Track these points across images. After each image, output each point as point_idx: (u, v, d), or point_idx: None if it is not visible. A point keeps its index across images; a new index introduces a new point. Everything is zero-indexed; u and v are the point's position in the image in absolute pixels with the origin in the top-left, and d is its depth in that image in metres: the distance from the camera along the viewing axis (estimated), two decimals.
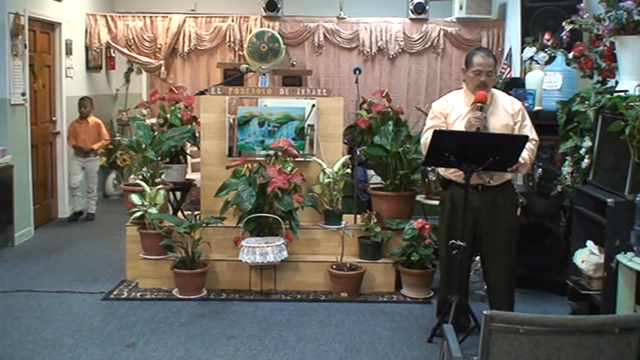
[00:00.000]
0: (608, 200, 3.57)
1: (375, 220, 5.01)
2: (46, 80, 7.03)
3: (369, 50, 7.61)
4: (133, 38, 7.66)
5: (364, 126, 5.27)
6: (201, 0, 8.72)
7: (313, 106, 5.23)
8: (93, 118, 7.29)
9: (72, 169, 7.27)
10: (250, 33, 7.43)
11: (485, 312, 2.06)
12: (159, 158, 5.32)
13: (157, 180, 5.19)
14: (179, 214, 5.65)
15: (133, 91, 9.04)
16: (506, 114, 3.93)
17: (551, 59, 5.04)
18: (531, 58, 5.26)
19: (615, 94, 3.85)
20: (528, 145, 3.79)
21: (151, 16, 7.70)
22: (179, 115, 5.58)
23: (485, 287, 4.44)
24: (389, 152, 5.03)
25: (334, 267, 4.86)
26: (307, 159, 5.22)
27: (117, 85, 8.92)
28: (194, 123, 5.59)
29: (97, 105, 8.30)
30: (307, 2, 8.07)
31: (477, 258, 4.55)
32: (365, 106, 5.46)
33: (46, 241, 6.34)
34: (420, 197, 5.59)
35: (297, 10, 7.75)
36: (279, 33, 7.40)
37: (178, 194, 5.83)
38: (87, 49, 7.89)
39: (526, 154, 3.79)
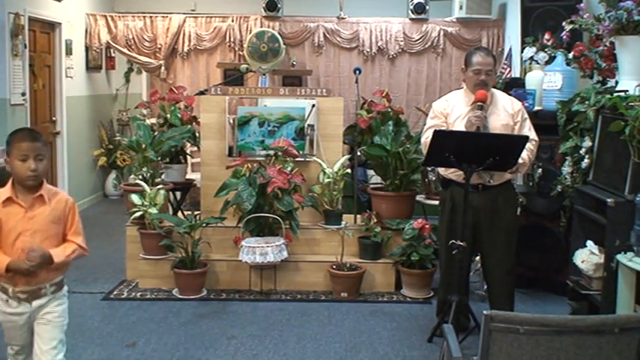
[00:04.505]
0: (608, 200, 3.57)
1: (375, 220, 5.01)
2: (46, 80, 7.03)
3: (369, 50, 7.61)
4: (133, 38, 7.66)
5: (364, 126, 5.28)
6: (201, 0, 8.72)
7: (313, 106, 5.23)
8: (52, 188, 2.93)
9: (7, 331, 2.87)
10: (250, 33, 7.42)
11: (485, 312, 2.05)
12: (159, 158, 5.32)
13: (157, 180, 5.19)
14: (179, 214, 5.65)
15: (133, 91, 9.04)
16: (506, 114, 3.94)
17: (551, 59, 5.04)
18: (531, 58, 5.26)
19: (615, 94, 3.85)
20: (528, 145, 3.79)
21: (151, 16, 7.70)
22: (179, 115, 5.58)
23: (485, 287, 4.44)
24: (389, 152, 5.03)
25: (334, 267, 4.86)
26: (307, 159, 5.22)
27: (117, 85, 8.92)
28: (194, 123, 5.60)
29: (97, 105, 8.33)
30: (307, 2, 8.07)
31: (477, 258, 4.55)
32: (365, 106, 5.47)
33: None
34: (420, 197, 5.58)
35: (297, 10, 7.74)
36: (279, 33, 7.40)
37: (178, 194, 5.83)
38: (87, 49, 7.89)
39: (526, 155, 3.79)
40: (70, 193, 7.38)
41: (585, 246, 3.92)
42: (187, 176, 6.06)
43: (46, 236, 2.77)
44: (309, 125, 5.25)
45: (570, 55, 4.65)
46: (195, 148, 6.06)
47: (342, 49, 7.67)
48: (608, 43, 4.26)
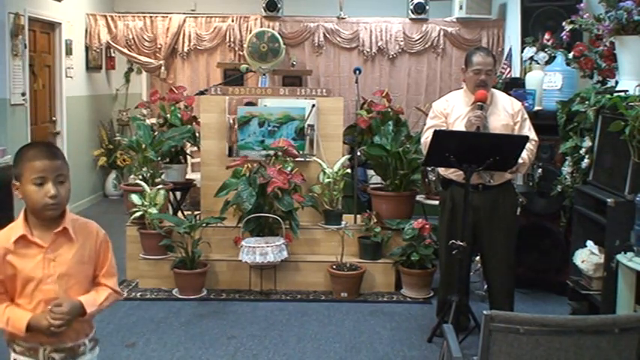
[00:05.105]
0: (608, 200, 3.57)
1: (375, 220, 5.01)
2: (46, 80, 7.03)
3: (369, 50, 7.61)
4: (133, 38, 7.66)
5: (364, 126, 5.28)
6: (201, 0, 8.72)
7: (313, 106, 5.23)
8: (78, 218, 2.28)
9: None
10: (250, 33, 7.42)
11: (485, 312, 2.05)
12: (159, 158, 5.32)
13: (157, 180, 5.19)
14: (179, 214, 5.65)
15: (133, 91, 9.04)
16: (506, 114, 3.94)
17: (551, 59, 5.04)
18: (531, 58, 5.26)
19: (615, 94, 3.85)
20: (528, 145, 3.79)
21: (151, 16, 7.70)
22: (179, 115, 5.59)
23: (485, 287, 4.44)
24: (389, 152, 5.03)
25: (334, 267, 4.86)
26: (307, 159, 5.22)
27: (117, 85, 8.92)
28: (194, 123, 5.60)
29: (97, 105, 8.32)
30: (307, 2, 8.07)
31: (477, 258, 4.55)
32: (365, 106, 5.47)
33: None
34: (420, 197, 5.59)
35: (297, 10, 7.74)
36: (279, 33, 7.40)
37: (178, 194, 5.83)
38: (87, 49, 7.89)
39: (526, 155, 3.80)
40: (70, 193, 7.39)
41: (585, 246, 3.92)
42: (187, 176, 6.06)
43: (73, 282, 2.16)
44: (309, 125, 5.25)
45: (570, 55, 4.65)
46: (195, 148, 6.06)
47: (342, 49, 7.67)
48: (608, 43, 4.26)
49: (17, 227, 2.12)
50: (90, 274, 2.24)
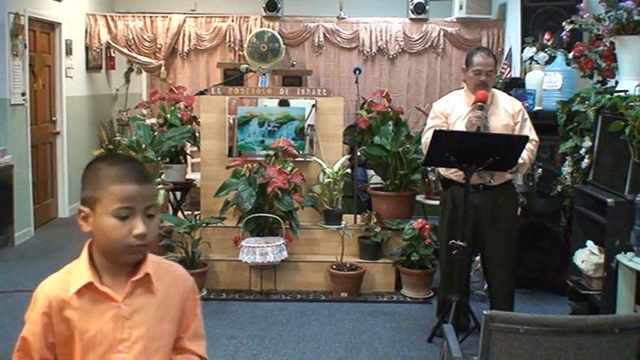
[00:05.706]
0: (608, 200, 3.57)
1: (375, 220, 5.01)
2: (46, 80, 7.03)
3: (369, 50, 7.61)
4: (133, 38, 7.66)
5: (364, 126, 5.28)
6: (201, 0, 8.72)
7: (313, 106, 5.23)
8: (160, 261, 1.70)
9: None
10: (250, 33, 7.42)
11: (485, 312, 2.05)
12: (159, 158, 5.32)
13: (157, 180, 5.18)
14: (179, 214, 5.65)
15: (133, 91, 9.04)
16: (506, 114, 3.94)
17: (551, 59, 5.05)
18: (531, 58, 5.27)
19: (615, 94, 3.85)
20: (528, 145, 3.79)
21: (151, 16, 7.69)
22: (179, 115, 5.59)
23: (486, 287, 4.44)
24: (389, 152, 5.03)
25: (334, 267, 4.86)
26: (307, 159, 5.22)
27: (117, 85, 8.92)
28: (194, 123, 5.60)
29: (97, 105, 8.32)
30: (307, 2, 8.07)
31: (477, 258, 4.55)
32: (365, 106, 5.47)
33: (46, 241, 6.33)
34: (420, 197, 5.59)
35: (297, 10, 7.74)
36: (279, 33, 7.39)
37: (178, 194, 5.83)
38: (87, 49, 7.88)
39: (526, 155, 3.80)
40: (70, 193, 7.40)
41: (585, 246, 3.92)
42: (187, 176, 6.06)
43: (154, 349, 1.60)
44: (309, 125, 5.25)
45: (570, 55, 4.65)
46: (195, 148, 6.06)
47: (342, 49, 7.67)
48: (608, 43, 4.26)
49: (80, 271, 1.57)
50: (174, 336, 1.67)
